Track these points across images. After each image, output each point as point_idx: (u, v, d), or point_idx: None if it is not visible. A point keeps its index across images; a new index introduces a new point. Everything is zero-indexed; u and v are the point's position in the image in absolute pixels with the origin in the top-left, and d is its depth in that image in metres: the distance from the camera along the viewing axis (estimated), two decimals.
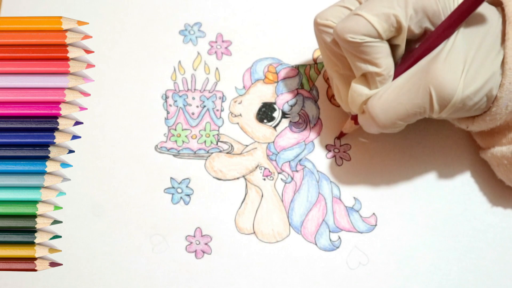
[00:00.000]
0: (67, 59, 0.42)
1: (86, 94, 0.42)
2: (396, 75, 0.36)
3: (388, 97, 0.35)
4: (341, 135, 0.42)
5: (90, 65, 0.43)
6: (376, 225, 0.41)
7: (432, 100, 0.34)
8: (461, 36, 0.34)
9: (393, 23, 0.34)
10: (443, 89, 0.33)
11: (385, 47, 0.35)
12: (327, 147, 0.42)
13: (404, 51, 0.36)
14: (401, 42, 0.35)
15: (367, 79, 0.36)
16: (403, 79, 0.35)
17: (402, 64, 0.36)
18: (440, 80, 0.33)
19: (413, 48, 0.36)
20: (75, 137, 0.42)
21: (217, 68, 0.44)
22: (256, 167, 0.42)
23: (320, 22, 0.36)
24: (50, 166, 0.41)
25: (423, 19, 0.34)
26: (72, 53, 0.42)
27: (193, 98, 0.44)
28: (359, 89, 0.36)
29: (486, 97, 0.35)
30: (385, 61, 0.35)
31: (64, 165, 0.41)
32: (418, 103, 0.34)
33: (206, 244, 0.40)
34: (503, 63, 0.34)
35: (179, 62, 0.45)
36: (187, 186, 0.41)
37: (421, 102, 0.34)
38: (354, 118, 0.39)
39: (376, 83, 0.35)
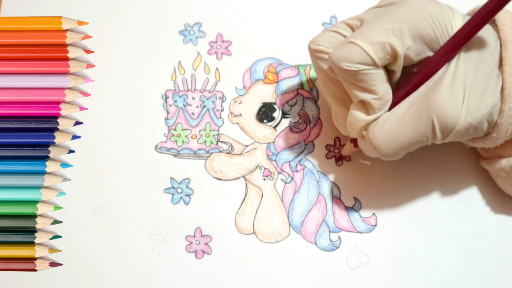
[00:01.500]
0: (67, 59, 0.42)
1: (86, 94, 0.42)
2: (395, 100, 0.35)
3: (390, 127, 0.34)
4: (340, 158, 0.42)
5: (90, 65, 0.43)
6: (376, 225, 0.41)
7: (435, 129, 0.33)
8: (462, 62, 0.33)
9: (389, 51, 0.33)
10: (446, 118, 0.33)
11: (381, 74, 0.34)
12: (327, 147, 0.42)
13: (402, 75, 0.35)
14: (397, 68, 0.35)
15: (364, 104, 0.35)
16: (404, 107, 0.34)
17: (401, 89, 0.35)
18: (442, 109, 0.33)
19: (411, 72, 0.35)
20: (75, 137, 0.42)
21: (217, 68, 0.44)
22: (256, 167, 0.42)
23: (313, 48, 0.36)
24: (50, 166, 0.41)
25: (421, 46, 0.34)
26: (72, 53, 0.42)
27: (193, 98, 0.44)
28: (357, 115, 0.35)
29: (487, 122, 0.34)
30: (382, 88, 0.34)
31: (64, 165, 0.41)
32: (421, 132, 0.34)
33: (206, 244, 0.40)
34: (502, 88, 0.34)
35: (179, 62, 0.44)
36: (187, 186, 0.41)
37: (424, 131, 0.34)
38: (354, 141, 0.39)
39: (374, 109, 0.35)
